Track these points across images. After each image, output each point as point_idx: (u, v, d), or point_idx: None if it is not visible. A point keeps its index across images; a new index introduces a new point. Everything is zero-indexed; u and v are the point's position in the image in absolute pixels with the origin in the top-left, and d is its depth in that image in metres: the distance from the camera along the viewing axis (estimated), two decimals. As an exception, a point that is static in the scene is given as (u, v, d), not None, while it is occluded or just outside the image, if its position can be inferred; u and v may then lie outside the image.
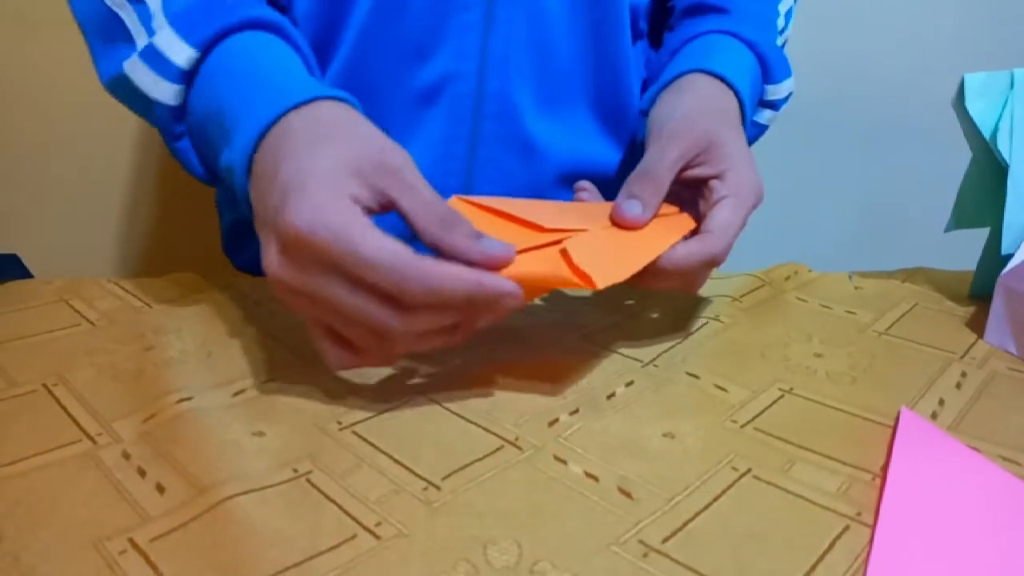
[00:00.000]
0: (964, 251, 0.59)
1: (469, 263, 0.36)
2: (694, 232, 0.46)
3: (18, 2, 0.93)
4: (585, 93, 0.60)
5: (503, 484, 0.34)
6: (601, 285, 0.37)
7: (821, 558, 0.30)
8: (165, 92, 0.44)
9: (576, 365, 0.45)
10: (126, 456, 0.35)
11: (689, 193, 0.47)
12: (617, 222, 0.43)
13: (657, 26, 0.65)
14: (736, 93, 0.52)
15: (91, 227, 1.06)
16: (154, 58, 0.44)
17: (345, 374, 0.43)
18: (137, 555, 0.29)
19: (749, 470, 0.36)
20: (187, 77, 0.44)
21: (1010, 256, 0.48)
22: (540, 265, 0.38)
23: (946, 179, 0.65)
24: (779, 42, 0.60)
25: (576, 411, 0.40)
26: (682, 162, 0.46)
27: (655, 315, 0.52)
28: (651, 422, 0.39)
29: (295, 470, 0.35)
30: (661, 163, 0.45)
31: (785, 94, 0.59)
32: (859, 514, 0.33)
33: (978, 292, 0.55)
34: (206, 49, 0.43)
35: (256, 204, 0.39)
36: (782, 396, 0.42)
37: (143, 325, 0.48)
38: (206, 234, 0.87)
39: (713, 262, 0.44)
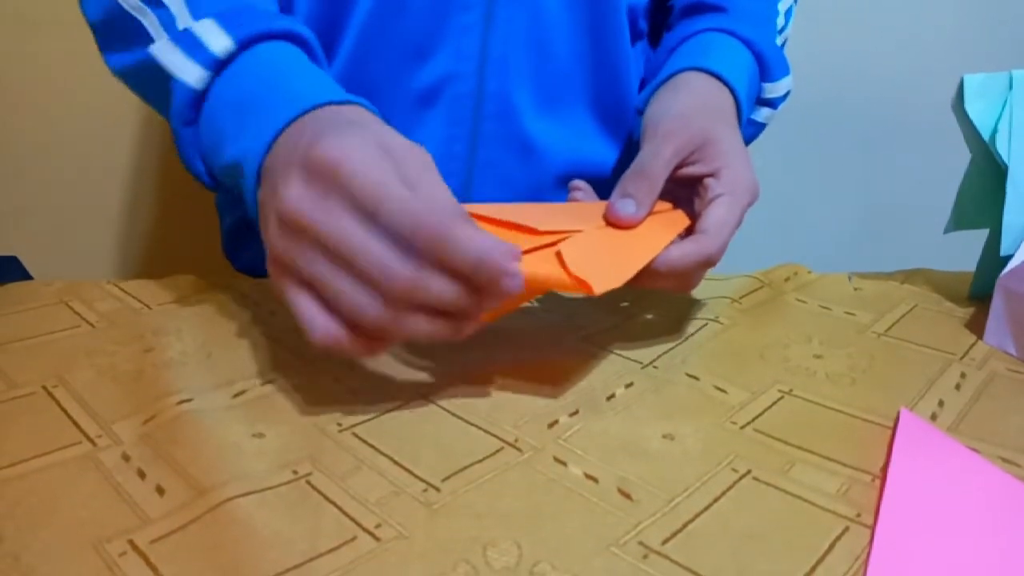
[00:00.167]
0: (964, 252, 0.59)
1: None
2: (689, 231, 0.45)
3: (18, 2, 0.93)
4: (584, 93, 0.60)
5: (503, 485, 0.34)
6: (598, 291, 0.37)
7: (821, 559, 0.30)
8: (191, 74, 0.43)
9: (576, 366, 0.45)
10: (126, 458, 0.35)
11: (684, 191, 0.47)
12: (611, 221, 0.43)
13: (657, 26, 0.65)
14: (732, 91, 0.52)
15: (91, 228, 1.06)
16: (189, 42, 0.43)
17: (346, 374, 0.43)
18: (137, 557, 0.30)
19: (749, 471, 0.36)
20: (218, 66, 0.43)
21: (1009, 257, 0.48)
22: (538, 268, 0.38)
23: (946, 180, 0.65)
24: (778, 41, 0.60)
25: (576, 412, 0.40)
26: (676, 160, 0.46)
27: (655, 316, 0.52)
28: (651, 423, 0.39)
29: (295, 472, 0.35)
30: (655, 161, 0.45)
31: (783, 92, 0.59)
32: (859, 515, 0.33)
33: (977, 293, 0.55)
34: (244, 45, 0.43)
35: (272, 168, 0.37)
36: (782, 397, 0.42)
37: (143, 326, 0.48)
38: (206, 235, 0.87)
39: (708, 262, 0.44)
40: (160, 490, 0.33)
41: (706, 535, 0.32)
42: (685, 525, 0.32)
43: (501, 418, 0.39)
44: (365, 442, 0.37)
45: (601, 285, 0.37)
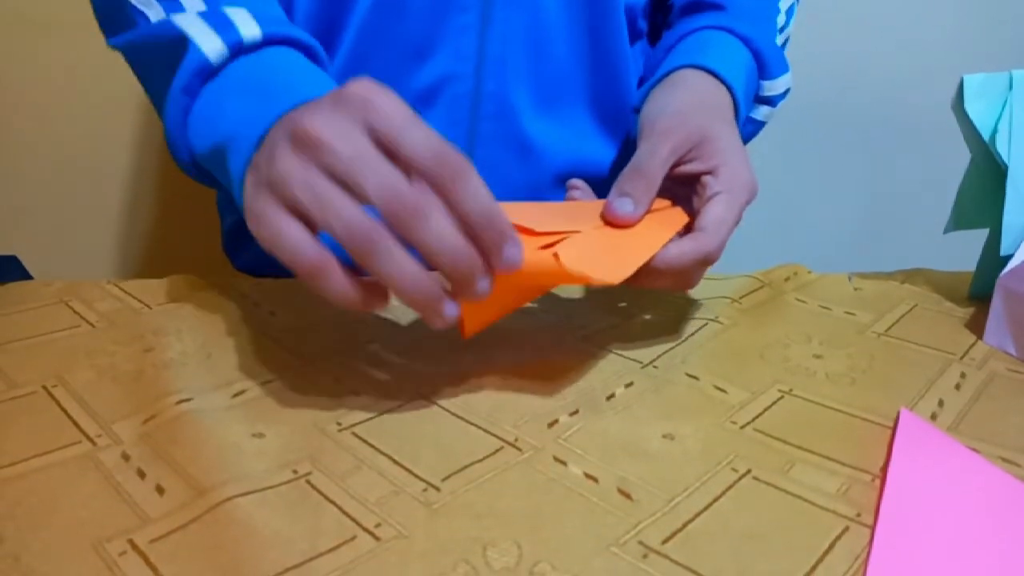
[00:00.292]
0: (964, 252, 0.59)
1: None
2: (687, 228, 0.45)
3: (19, 3, 0.93)
4: (583, 93, 0.60)
5: (503, 485, 0.34)
6: (600, 281, 0.37)
7: (821, 559, 0.30)
8: (212, 47, 0.43)
9: (576, 366, 0.45)
10: (126, 457, 0.35)
11: (682, 189, 0.47)
12: (609, 221, 0.43)
13: (658, 25, 0.65)
14: (729, 89, 0.52)
15: (91, 228, 1.06)
16: (220, 21, 0.43)
17: (346, 374, 0.43)
18: (137, 556, 0.30)
19: (749, 471, 0.36)
20: (240, 49, 0.43)
21: (1009, 257, 0.48)
22: (535, 267, 0.38)
23: (945, 180, 0.65)
24: (780, 39, 0.60)
25: (576, 412, 0.40)
26: (674, 158, 0.45)
27: (655, 316, 0.52)
28: (651, 423, 0.39)
29: (295, 471, 0.35)
30: (652, 159, 0.45)
31: (782, 90, 0.59)
32: (859, 515, 0.33)
33: (977, 293, 0.55)
34: (269, 41, 0.43)
35: (274, 131, 0.37)
36: (782, 397, 0.42)
37: (143, 326, 0.48)
38: (206, 235, 0.87)
39: (707, 260, 0.44)
40: (160, 490, 0.33)
41: (706, 535, 0.32)
42: (685, 525, 0.32)
43: (501, 418, 0.39)
44: (365, 442, 0.37)
45: (605, 277, 0.37)
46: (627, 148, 0.63)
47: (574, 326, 0.50)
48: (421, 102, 0.56)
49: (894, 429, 0.39)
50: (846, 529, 0.32)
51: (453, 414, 0.40)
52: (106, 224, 1.06)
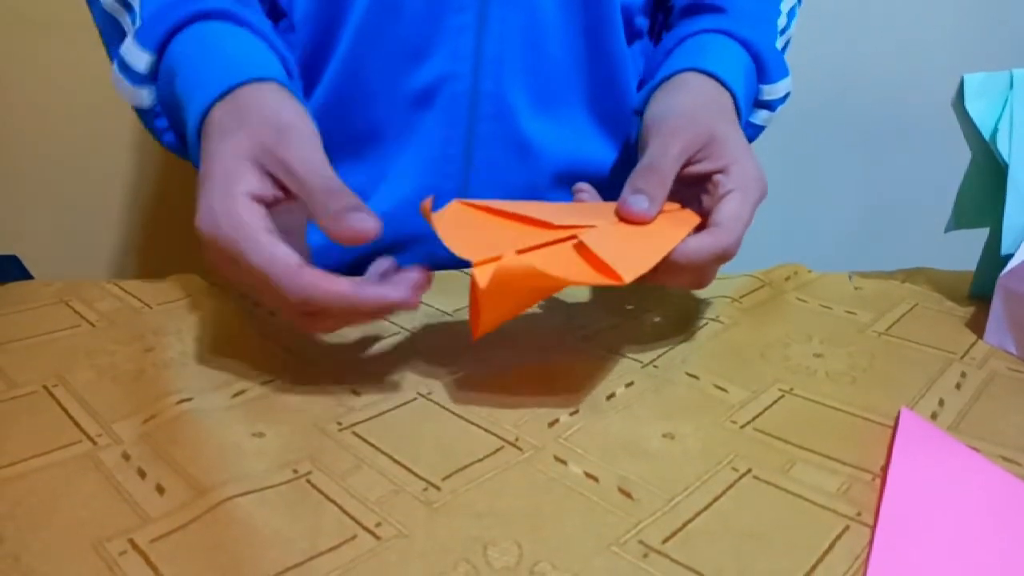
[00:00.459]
0: (964, 251, 0.59)
1: (340, 242, 0.37)
2: (700, 228, 0.45)
3: (19, 3, 0.93)
4: (580, 93, 0.60)
5: (503, 485, 0.34)
6: (628, 279, 0.37)
7: (821, 558, 0.30)
8: (138, 97, 0.47)
9: (576, 366, 0.45)
10: (126, 457, 0.35)
11: (690, 191, 0.47)
12: (624, 217, 0.43)
13: (659, 24, 0.65)
14: (730, 92, 0.52)
15: (91, 228, 1.06)
16: (124, 68, 0.46)
17: (346, 374, 0.43)
18: (137, 556, 0.30)
19: (749, 470, 0.36)
20: (151, 79, 0.46)
21: (1010, 256, 0.48)
22: (559, 263, 0.37)
23: (946, 179, 0.65)
24: (780, 41, 0.60)
25: (576, 412, 0.40)
26: (685, 157, 0.46)
27: (655, 316, 0.52)
28: (651, 423, 0.39)
29: (295, 471, 0.35)
30: (665, 157, 0.45)
31: (782, 94, 0.59)
32: (859, 514, 0.33)
33: (978, 292, 0.55)
34: (159, 51, 0.45)
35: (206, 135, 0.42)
36: (782, 396, 0.42)
37: (143, 326, 0.48)
38: (206, 235, 0.87)
39: (724, 255, 0.44)
40: (160, 489, 0.33)
41: (706, 534, 0.32)
42: (685, 524, 0.32)
43: (501, 417, 0.39)
44: (365, 441, 0.37)
45: (629, 273, 0.37)
46: (626, 149, 0.63)
47: (575, 326, 0.50)
48: (418, 103, 0.56)
49: (894, 428, 0.39)
50: (846, 528, 0.32)
51: (453, 413, 0.40)
52: (106, 224, 1.06)
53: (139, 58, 0.45)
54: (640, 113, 0.53)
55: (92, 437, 0.37)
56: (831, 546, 0.31)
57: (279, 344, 0.46)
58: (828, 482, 0.35)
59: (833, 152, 1.17)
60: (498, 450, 0.37)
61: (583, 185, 0.49)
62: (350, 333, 0.47)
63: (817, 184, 1.19)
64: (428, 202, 0.38)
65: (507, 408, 0.40)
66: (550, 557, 0.30)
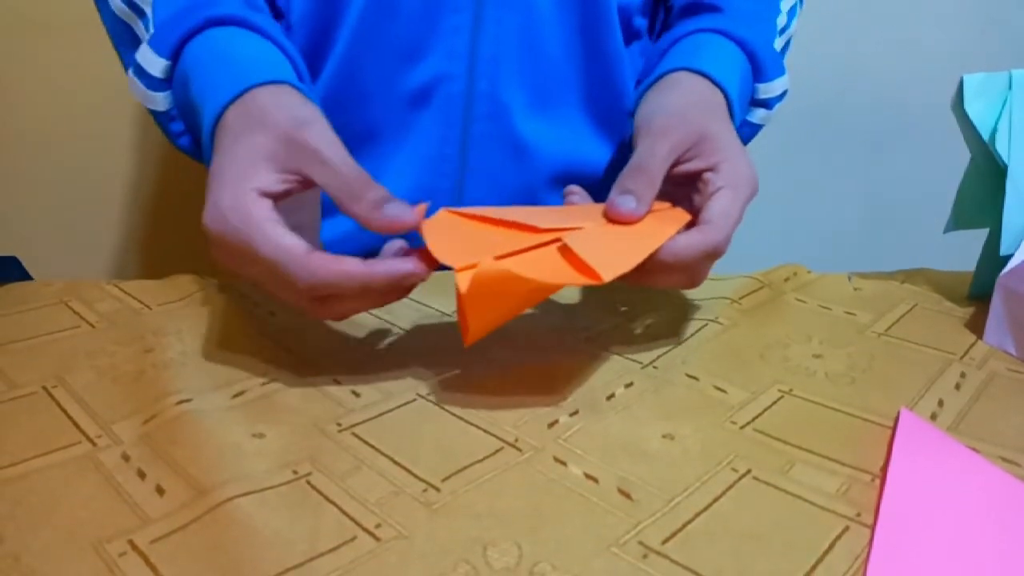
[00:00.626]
0: (964, 252, 0.59)
1: (378, 230, 0.38)
2: (690, 226, 0.45)
3: (19, 3, 0.93)
4: (577, 93, 0.60)
5: (503, 485, 0.34)
6: (607, 278, 0.37)
7: (821, 559, 0.30)
8: (154, 101, 0.48)
9: (576, 367, 0.45)
10: (126, 458, 0.35)
11: (681, 191, 0.47)
12: (612, 218, 0.43)
13: (660, 27, 0.65)
14: (723, 91, 0.52)
15: (91, 228, 1.06)
16: (140, 72, 0.47)
17: (346, 375, 0.43)
18: (137, 557, 0.30)
19: (749, 471, 0.36)
20: (167, 84, 0.47)
21: (1009, 257, 0.48)
22: (540, 266, 0.38)
23: (945, 180, 0.65)
24: (780, 40, 0.60)
25: (576, 412, 0.40)
26: (674, 156, 0.45)
27: (655, 317, 0.52)
28: (651, 423, 0.39)
29: (295, 472, 0.35)
30: (653, 157, 0.45)
31: (779, 92, 0.59)
32: (859, 515, 0.33)
33: (977, 293, 0.55)
34: (174, 57, 0.46)
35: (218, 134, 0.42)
36: (781, 397, 0.42)
37: (143, 327, 0.48)
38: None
39: (715, 253, 0.44)
40: (160, 490, 0.33)
41: (706, 535, 0.32)
42: (685, 525, 0.32)
43: (501, 418, 0.39)
44: (365, 442, 0.37)
45: (608, 271, 0.37)
46: (622, 149, 0.62)
47: (574, 327, 0.50)
48: (414, 103, 0.56)
49: (894, 429, 0.39)
50: (846, 529, 0.32)
51: (453, 414, 0.40)
52: (106, 224, 1.06)
53: (154, 64, 0.46)
54: (634, 114, 0.53)
55: (92, 438, 0.37)
56: (831, 547, 0.31)
57: (279, 344, 0.46)
58: (828, 483, 0.35)
59: (833, 152, 1.17)
60: (498, 451, 0.37)
61: (574, 188, 0.49)
62: (350, 333, 0.47)
63: (817, 184, 1.19)
64: (422, 208, 0.39)
65: (507, 409, 0.40)
66: (550, 558, 0.30)
